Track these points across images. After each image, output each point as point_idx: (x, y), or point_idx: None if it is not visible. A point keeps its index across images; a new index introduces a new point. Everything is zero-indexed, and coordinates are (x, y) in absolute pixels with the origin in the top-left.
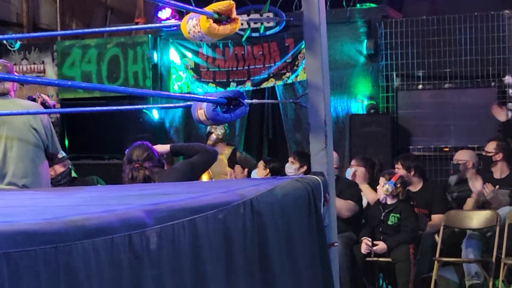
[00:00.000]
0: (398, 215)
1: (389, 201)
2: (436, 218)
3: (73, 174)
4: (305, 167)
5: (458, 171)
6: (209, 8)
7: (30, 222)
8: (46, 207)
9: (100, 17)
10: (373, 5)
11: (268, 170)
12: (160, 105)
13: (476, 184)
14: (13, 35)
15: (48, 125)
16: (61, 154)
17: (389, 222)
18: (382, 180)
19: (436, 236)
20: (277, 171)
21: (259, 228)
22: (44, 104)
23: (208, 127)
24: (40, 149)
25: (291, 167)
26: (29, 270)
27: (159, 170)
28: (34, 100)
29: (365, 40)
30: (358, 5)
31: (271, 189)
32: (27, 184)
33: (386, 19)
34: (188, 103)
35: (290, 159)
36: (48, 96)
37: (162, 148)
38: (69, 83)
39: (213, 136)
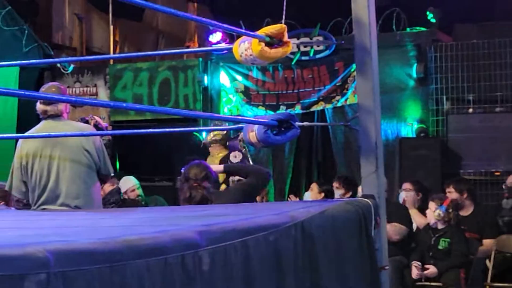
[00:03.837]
0: (448, 240)
1: (439, 226)
2: (487, 242)
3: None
4: (350, 193)
5: None
6: (261, 32)
7: (86, 241)
8: (100, 227)
9: (152, 41)
10: (423, 29)
11: (323, 194)
12: (211, 128)
13: None
14: (67, 58)
15: (100, 147)
16: None
17: (440, 247)
18: (432, 204)
19: (487, 261)
20: (331, 194)
21: (310, 251)
22: (96, 126)
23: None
24: (92, 171)
25: (337, 193)
26: None
27: (215, 191)
28: (87, 122)
29: (415, 64)
30: (408, 29)
31: (322, 212)
32: (79, 205)
33: (436, 42)
34: (239, 125)
35: (335, 184)
36: (100, 118)
37: (216, 167)
38: (124, 104)
39: (211, 135)
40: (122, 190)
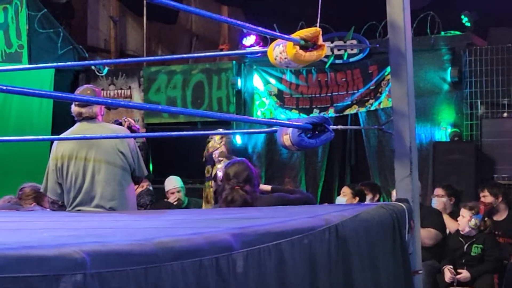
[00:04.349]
0: (481, 246)
1: (472, 232)
2: None
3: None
4: (378, 196)
5: None
6: (295, 35)
7: (122, 243)
8: (135, 229)
9: (185, 44)
10: (457, 32)
11: (357, 198)
12: (245, 130)
13: None
14: (102, 61)
15: (135, 149)
16: None
17: (472, 253)
18: (465, 212)
19: None
20: (364, 196)
21: (344, 254)
22: (130, 128)
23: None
24: (127, 173)
25: (341, 200)
26: None
27: (257, 195)
28: (120, 124)
29: (449, 68)
30: (442, 33)
31: (356, 215)
32: (114, 206)
33: (470, 46)
34: (273, 128)
35: (345, 189)
36: (134, 120)
37: (264, 187)
38: (160, 107)
39: (208, 146)
40: (165, 189)
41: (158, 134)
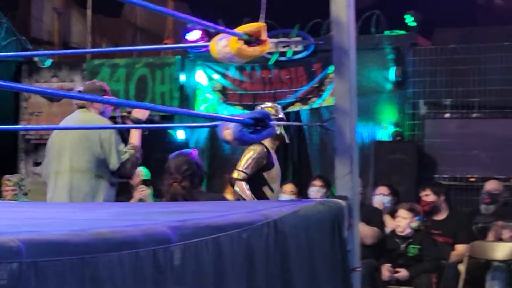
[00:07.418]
0: (418, 246)
1: (406, 232)
2: (460, 247)
3: None
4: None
5: (496, 201)
6: (239, 30)
7: (58, 232)
8: (73, 220)
9: (130, 37)
10: (402, 32)
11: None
12: (187, 125)
13: None
14: (45, 52)
15: (108, 140)
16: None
17: (410, 254)
18: (405, 213)
19: (459, 267)
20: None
21: (282, 249)
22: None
23: None
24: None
25: (321, 191)
26: (56, 279)
27: (202, 191)
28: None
29: (393, 67)
30: (386, 32)
31: (295, 211)
32: (85, 198)
33: (414, 46)
34: (215, 123)
35: (318, 183)
36: None
37: None
38: (99, 99)
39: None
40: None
41: (100, 126)
